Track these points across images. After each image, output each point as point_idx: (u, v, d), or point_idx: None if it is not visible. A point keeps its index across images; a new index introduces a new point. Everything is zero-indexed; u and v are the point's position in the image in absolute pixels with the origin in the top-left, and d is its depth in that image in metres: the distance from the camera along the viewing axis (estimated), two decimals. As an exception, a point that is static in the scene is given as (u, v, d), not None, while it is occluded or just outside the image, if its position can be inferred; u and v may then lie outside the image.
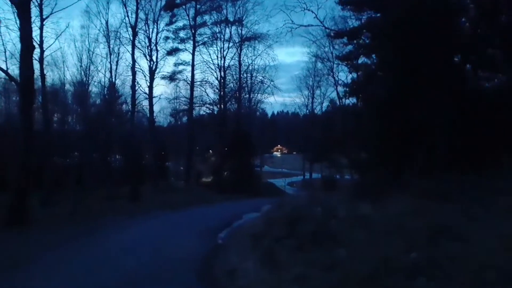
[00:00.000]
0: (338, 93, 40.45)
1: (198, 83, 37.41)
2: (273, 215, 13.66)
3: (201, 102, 38.77)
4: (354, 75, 36.63)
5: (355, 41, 25.13)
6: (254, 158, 38.73)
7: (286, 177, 63.45)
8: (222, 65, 37.76)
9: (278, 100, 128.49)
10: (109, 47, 31.36)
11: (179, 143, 43.96)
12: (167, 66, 63.41)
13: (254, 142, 37.74)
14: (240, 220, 18.11)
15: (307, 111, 59.29)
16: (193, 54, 36.00)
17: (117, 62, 32.27)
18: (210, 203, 26.10)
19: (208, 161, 45.90)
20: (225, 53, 37.89)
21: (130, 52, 28.71)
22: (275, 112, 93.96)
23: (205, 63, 37.29)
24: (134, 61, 26.38)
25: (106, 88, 32.40)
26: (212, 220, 17.52)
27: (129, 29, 29.37)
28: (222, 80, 37.87)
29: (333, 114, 58.27)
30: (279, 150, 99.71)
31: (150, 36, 31.35)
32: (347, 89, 32.04)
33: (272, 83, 39.44)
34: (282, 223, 11.57)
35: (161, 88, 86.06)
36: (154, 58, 31.84)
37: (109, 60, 31.16)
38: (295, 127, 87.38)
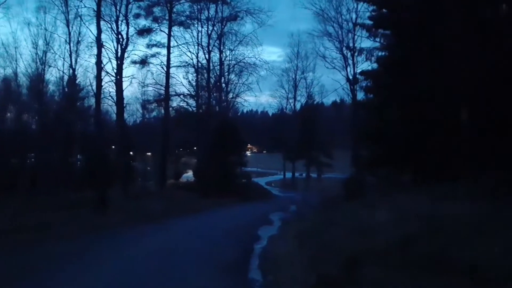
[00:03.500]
0: (349, 79, 34.74)
1: (176, 68, 31.35)
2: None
3: (177, 93, 32.64)
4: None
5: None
6: (243, 155, 32.89)
7: (261, 176, 58.59)
8: (207, 47, 31.83)
9: (250, 99, 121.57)
10: (68, 26, 25.38)
11: (149, 140, 37.96)
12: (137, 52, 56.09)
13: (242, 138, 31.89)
14: (265, 242, 12.16)
15: (284, 109, 54.31)
16: (169, 35, 29.87)
17: (77, 43, 26.18)
18: (197, 212, 20.19)
19: (183, 160, 39.71)
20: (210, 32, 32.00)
21: (95, 31, 22.30)
22: (244, 111, 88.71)
23: (185, 44, 31.15)
24: (100, 31, 19.92)
25: (66, 78, 27.65)
26: (221, 250, 10.65)
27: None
28: (206, 65, 31.90)
29: (313, 110, 53.82)
30: (249, 150, 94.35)
31: (119, 7, 25.00)
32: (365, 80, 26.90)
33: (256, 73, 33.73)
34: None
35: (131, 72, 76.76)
36: (124, 34, 25.58)
37: (68, 47, 25.64)
38: (266, 126, 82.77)
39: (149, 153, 39.91)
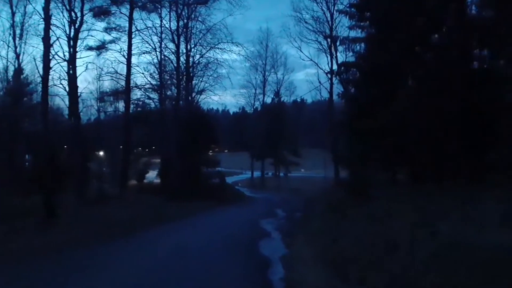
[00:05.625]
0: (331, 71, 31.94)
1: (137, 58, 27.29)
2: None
3: (139, 85, 28.54)
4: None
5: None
6: (217, 152, 29.23)
7: (226, 176, 55.11)
8: (176, 31, 27.97)
9: (213, 98, 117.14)
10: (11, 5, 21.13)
11: (106, 138, 33.63)
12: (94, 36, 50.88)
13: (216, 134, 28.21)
14: (281, 268, 8.53)
15: (252, 106, 51.09)
16: (130, 19, 25.75)
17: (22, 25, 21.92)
18: (169, 221, 16.46)
19: (145, 160, 35.44)
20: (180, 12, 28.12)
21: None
22: (205, 109, 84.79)
23: (149, 29, 27.15)
24: (48, 1, 15.71)
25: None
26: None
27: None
28: (176, 51, 28.02)
29: (281, 108, 50.92)
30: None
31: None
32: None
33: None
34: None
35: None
36: (78, 12, 21.35)
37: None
38: (227, 125, 79.73)
39: (106, 153, 35.46)
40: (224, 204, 23.62)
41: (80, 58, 22.16)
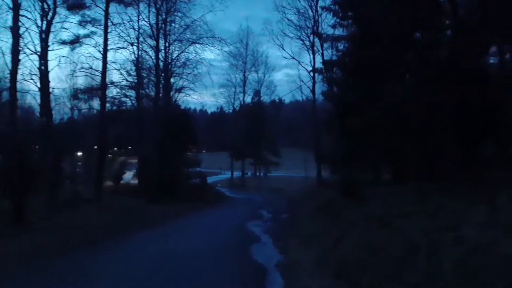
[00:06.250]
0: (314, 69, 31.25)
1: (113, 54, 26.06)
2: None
3: (115, 83, 27.18)
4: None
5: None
6: (195, 152, 28.12)
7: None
8: (155, 25, 26.78)
9: (191, 98, 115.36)
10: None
11: (80, 138, 32.09)
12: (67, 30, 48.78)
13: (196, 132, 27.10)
14: (279, 278, 7.62)
15: (232, 105, 50.10)
16: (106, 12, 24.42)
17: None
18: (150, 226, 15.17)
19: (122, 160, 34.06)
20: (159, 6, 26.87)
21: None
22: (182, 108, 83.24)
23: (127, 23, 25.88)
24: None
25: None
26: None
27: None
28: (155, 45, 26.81)
29: (261, 108, 50.06)
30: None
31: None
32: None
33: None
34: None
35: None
36: (50, 2, 19.93)
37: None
38: (205, 125, 78.49)
39: (81, 153, 33.91)
40: (206, 206, 22.62)
41: (53, 50, 20.76)
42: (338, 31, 24.91)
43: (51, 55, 21.04)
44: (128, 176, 35.09)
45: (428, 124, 16.08)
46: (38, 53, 19.61)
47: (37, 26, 19.74)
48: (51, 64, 21.82)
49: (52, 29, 20.15)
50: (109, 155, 33.69)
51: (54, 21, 20.17)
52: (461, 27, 15.53)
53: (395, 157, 18.41)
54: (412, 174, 19.77)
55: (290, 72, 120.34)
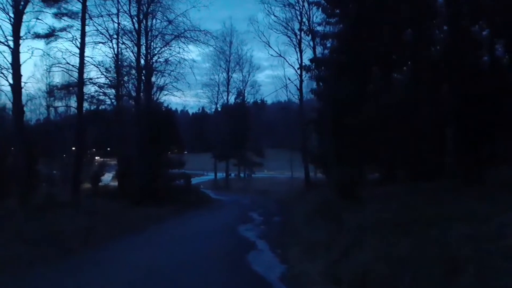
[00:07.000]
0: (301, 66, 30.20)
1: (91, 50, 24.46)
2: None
3: (93, 80, 25.61)
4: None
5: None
6: (177, 153, 26.75)
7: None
8: (136, 17, 25.33)
9: (172, 98, 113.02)
10: None
11: (56, 138, 30.49)
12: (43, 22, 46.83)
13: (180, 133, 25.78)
14: None
15: (215, 104, 48.81)
16: (84, 4, 22.88)
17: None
18: (133, 232, 13.81)
19: (100, 161, 32.42)
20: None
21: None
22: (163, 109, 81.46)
23: (104, 16, 24.37)
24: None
25: None
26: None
27: None
28: (136, 39, 25.35)
29: (244, 108, 48.86)
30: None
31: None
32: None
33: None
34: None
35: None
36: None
37: None
38: (187, 126, 77.02)
39: (58, 154, 32.19)
40: (191, 208, 21.36)
41: (25, 40, 19.21)
42: (328, 28, 24.13)
43: (23, 47, 19.41)
44: (107, 177, 33.53)
45: (426, 122, 15.39)
46: (7, 44, 18.07)
47: (8, 18, 18.24)
48: (24, 57, 20.18)
49: (24, 18, 18.61)
50: (87, 156, 32.10)
51: (26, 10, 18.62)
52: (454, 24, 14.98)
53: (390, 156, 17.65)
54: (402, 174, 19.13)
55: (273, 73, 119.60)
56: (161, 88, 28.47)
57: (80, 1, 22.65)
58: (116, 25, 25.57)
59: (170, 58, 27.25)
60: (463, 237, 5.59)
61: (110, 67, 26.17)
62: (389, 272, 5.77)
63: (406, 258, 5.86)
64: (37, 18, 20.05)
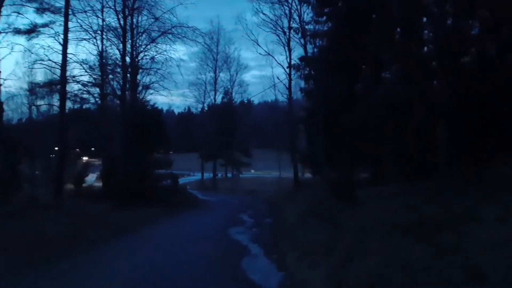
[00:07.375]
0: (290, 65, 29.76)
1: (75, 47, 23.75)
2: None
3: (76, 78, 24.77)
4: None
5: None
6: (166, 152, 26.05)
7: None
8: (122, 12, 24.55)
9: (158, 98, 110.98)
10: None
11: (38, 138, 29.42)
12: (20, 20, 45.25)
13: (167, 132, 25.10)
14: None
15: (203, 103, 48.10)
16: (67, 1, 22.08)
17: None
18: (120, 235, 13.15)
19: (84, 161, 31.47)
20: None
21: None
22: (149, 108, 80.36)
23: (88, 11, 23.57)
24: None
25: None
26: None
27: None
28: (122, 34, 24.58)
29: (232, 108, 48.23)
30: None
31: None
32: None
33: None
34: None
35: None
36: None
37: None
38: (172, 126, 76.02)
39: (40, 154, 31.10)
40: (179, 210, 20.73)
41: (6, 33, 18.46)
42: (317, 27, 23.76)
43: (3, 42, 18.61)
44: (91, 178, 32.60)
45: (419, 122, 15.10)
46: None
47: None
48: (3, 53, 19.39)
49: (2, 12, 17.81)
50: (71, 156, 31.15)
51: (5, 3, 17.82)
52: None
53: (382, 155, 17.33)
54: (394, 173, 18.83)
55: (260, 73, 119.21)
56: (147, 87, 27.78)
57: (62, -3, 21.85)
58: (100, 21, 24.86)
59: (156, 56, 26.66)
60: (481, 241, 5.17)
61: (94, 64, 25.42)
62: (402, 279, 5.32)
63: (418, 264, 5.43)
64: (18, 13, 19.29)
